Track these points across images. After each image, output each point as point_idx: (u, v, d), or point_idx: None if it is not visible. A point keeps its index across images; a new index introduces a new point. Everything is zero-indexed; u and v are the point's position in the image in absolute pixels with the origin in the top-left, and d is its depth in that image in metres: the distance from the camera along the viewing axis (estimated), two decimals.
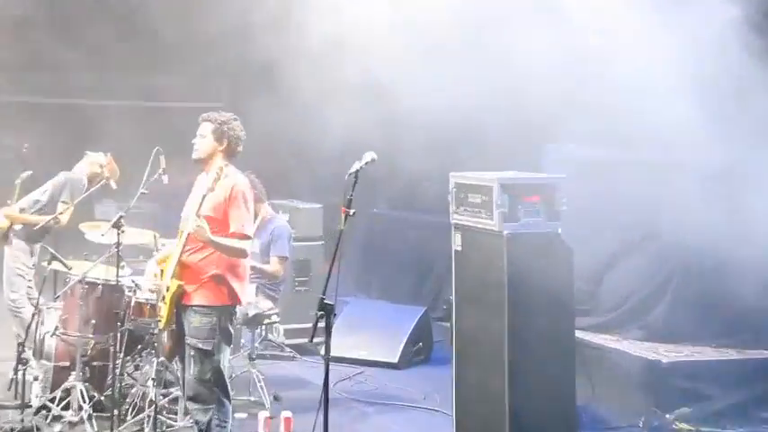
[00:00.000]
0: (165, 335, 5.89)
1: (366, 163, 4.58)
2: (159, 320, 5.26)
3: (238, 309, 5.38)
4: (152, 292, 5.79)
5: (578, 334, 6.46)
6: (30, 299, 7.20)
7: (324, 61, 8.33)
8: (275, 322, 7.43)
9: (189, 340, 5.11)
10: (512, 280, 5.48)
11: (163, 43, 10.78)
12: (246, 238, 5.17)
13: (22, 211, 7.20)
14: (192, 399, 5.16)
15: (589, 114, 6.47)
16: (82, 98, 12.92)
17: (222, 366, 5.15)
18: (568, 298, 5.64)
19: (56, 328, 6.24)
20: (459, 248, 5.99)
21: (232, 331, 5.24)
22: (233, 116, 5.43)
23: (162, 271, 5.31)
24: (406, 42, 7.23)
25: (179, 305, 5.14)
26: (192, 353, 5.11)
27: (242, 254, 5.18)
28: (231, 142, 5.33)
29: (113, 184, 7.15)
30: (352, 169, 4.56)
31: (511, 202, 5.57)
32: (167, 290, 5.12)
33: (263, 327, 7.76)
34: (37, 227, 6.99)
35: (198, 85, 12.80)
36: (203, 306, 5.11)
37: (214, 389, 5.12)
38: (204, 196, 5.02)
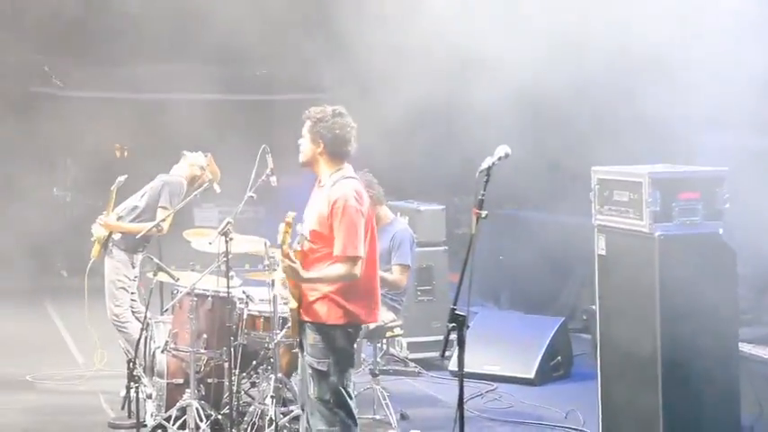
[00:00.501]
0: (281, 350, 6.14)
1: (499, 158, 4.52)
2: (288, 327, 5.41)
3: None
4: (284, 300, 5.96)
5: (742, 347, 6.36)
6: (134, 312, 7.54)
7: (447, 53, 8.50)
8: (398, 335, 7.56)
9: (306, 357, 5.17)
10: (665, 287, 5.44)
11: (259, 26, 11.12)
12: (352, 260, 5.03)
13: (119, 219, 7.48)
14: (313, 417, 5.26)
15: (755, 97, 6.34)
16: (173, 92, 13.45)
17: (342, 388, 5.13)
18: (731, 307, 5.56)
19: (166, 344, 6.53)
20: (603, 253, 5.97)
21: (352, 351, 5.20)
22: (334, 111, 5.18)
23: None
24: (535, 42, 7.30)
25: (299, 323, 5.19)
26: (309, 371, 5.15)
27: (351, 278, 5.05)
28: (328, 144, 5.13)
29: (217, 188, 7.35)
30: (484, 166, 4.49)
31: (663, 200, 5.51)
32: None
33: (385, 340, 7.91)
34: (138, 236, 7.31)
35: (302, 74, 13.11)
36: (319, 323, 5.13)
37: (335, 410, 5.15)
38: (282, 244, 4.89)
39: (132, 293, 7.56)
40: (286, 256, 4.94)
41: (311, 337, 5.14)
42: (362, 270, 5.08)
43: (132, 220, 7.45)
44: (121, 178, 7.42)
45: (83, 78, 13.62)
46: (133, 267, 7.52)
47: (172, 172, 7.62)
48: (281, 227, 4.99)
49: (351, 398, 5.19)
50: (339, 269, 5.03)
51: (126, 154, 14.37)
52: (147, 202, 7.47)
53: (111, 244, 7.47)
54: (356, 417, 5.24)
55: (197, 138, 7.74)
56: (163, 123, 12.18)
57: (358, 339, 5.39)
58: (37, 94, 13.63)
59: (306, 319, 5.15)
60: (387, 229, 7.31)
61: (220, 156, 7.82)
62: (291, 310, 5.17)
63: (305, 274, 5.01)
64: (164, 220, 7.19)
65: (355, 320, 5.17)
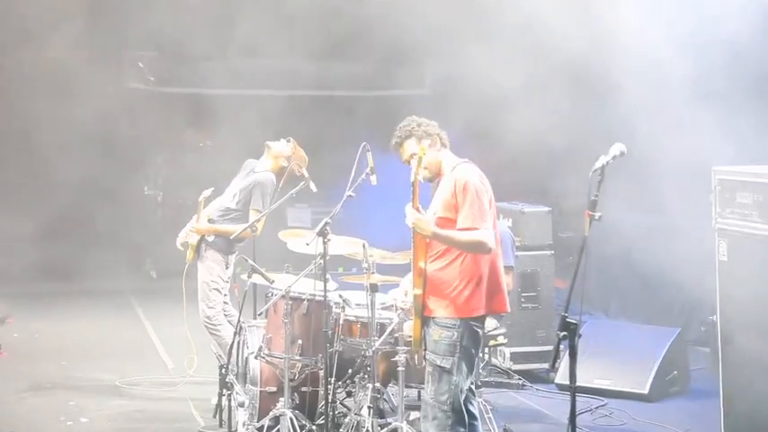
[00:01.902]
0: (378, 358, 6.18)
1: (614, 157, 4.51)
2: (409, 339, 5.55)
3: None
4: (402, 310, 6.05)
5: None
6: (226, 316, 7.68)
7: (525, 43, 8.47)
8: (501, 344, 7.54)
9: (428, 355, 5.39)
10: None
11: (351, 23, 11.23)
12: (483, 231, 5.26)
13: (210, 221, 7.66)
14: (425, 421, 5.37)
15: None
16: (269, 88, 13.66)
17: (461, 391, 5.34)
18: None
19: (260, 349, 6.62)
20: (725, 258, 5.88)
21: (474, 352, 5.41)
22: (410, 118, 5.65)
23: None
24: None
25: (423, 318, 5.39)
26: (430, 369, 5.36)
27: (481, 247, 5.28)
28: (437, 137, 5.57)
29: (313, 186, 7.42)
30: (597, 165, 4.49)
31: None
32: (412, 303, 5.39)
33: (488, 349, 7.89)
34: (231, 237, 7.44)
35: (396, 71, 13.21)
36: (444, 318, 5.33)
37: (450, 414, 5.31)
38: (414, 185, 5.21)
39: (225, 296, 7.72)
40: (416, 208, 5.21)
41: (437, 332, 5.34)
42: (490, 258, 5.33)
43: (226, 222, 7.58)
44: (207, 192, 7.58)
45: (175, 74, 13.94)
46: (227, 268, 7.67)
47: (258, 167, 7.73)
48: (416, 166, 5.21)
49: (466, 406, 5.38)
50: (471, 234, 5.26)
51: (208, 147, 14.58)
52: (239, 204, 7.60)
53: (204, 246, 7.64)
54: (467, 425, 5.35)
55: (286, 134, 7.79)
56: (250, 119, 12.35)
57: None
58: (131, 90, 13.99)
59: (433, 315, 5.35)
60: None
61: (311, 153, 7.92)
62: (416, 297, 5.33)
63: (435, 228, 5.25)
64: (257, 221, 7.31)
65: (492, 311, 5.43)
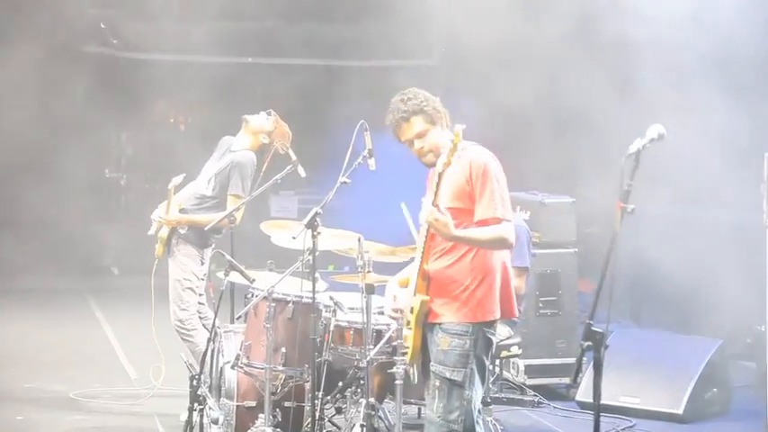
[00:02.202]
0: (371, 370, 6.18)
1: (651, 140, 4.47)
2: (405, 352, 5.47)
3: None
4: (393, 319, 6.04)
5: None
6: (201, 318, 7.69)
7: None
8: (514, 356, 7.55)
9: (434, 367, 5.33)
10: None
11: None
12: (505, 223, 5.25)
13: (183, 211, 7.65)
14: None
15: None
16: (252, 55, 13.67)
17: (473, 407, 5.33)
18: None
19: (237, 358, 6.62)
20: None
21: (487, 362, 5.40)
22: (410, 91, 5.52)
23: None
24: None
25: (425, 325, 5.35)
26: (436, 383, 5.31)
27: (503, 243, 5.28)
28: (444, 114, 5.50)
29: (302, 171, 7.40)
30: (632, 149, 4.47)
31: None
32: (411, 311, 5.33)
33: (499, 361, 7.89)
34: (207, 227, 7.44)
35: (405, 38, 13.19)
36: (455, 323, 5.30)
37: None
38: (440, 177, 5.11)
39: (200, 295, 7.73)
40: (436, 206, 5.11)
41: (445, 341, 5.31)
42: (501, 253, 5.34)
43: (199, 212, 7.57)
44: (177, 179, 7.58)
45: (143, 38, 13.91)
46: (202, 264, 7.68)
47: (235, 145, 7.72)
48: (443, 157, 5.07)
49: (480, 425, 5.37)
50: (494, 231, 5.24)
51: (183, 128, 14.61)
52: (215, 190, 7.60)
53: (176, 239, 7.65)
54: None
55: (272, 107, 7.78)
56: (230, 90, 12.36)
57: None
58: (90, 54, 13.95)
59: (440, 321, 5.32)
60: None
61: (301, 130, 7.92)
62: (423, 303, 5.29)
63: (456, 231, 5.16)
64: (236, 209, 7.31)
65: (504, 316, 5.39)
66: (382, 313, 6.57)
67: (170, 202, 7.62)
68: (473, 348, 5.30)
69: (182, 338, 7.63)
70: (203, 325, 7.66)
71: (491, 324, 5.37)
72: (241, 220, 7.48)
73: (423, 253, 5.32)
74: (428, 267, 5.33)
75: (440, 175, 5.10)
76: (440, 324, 5.33)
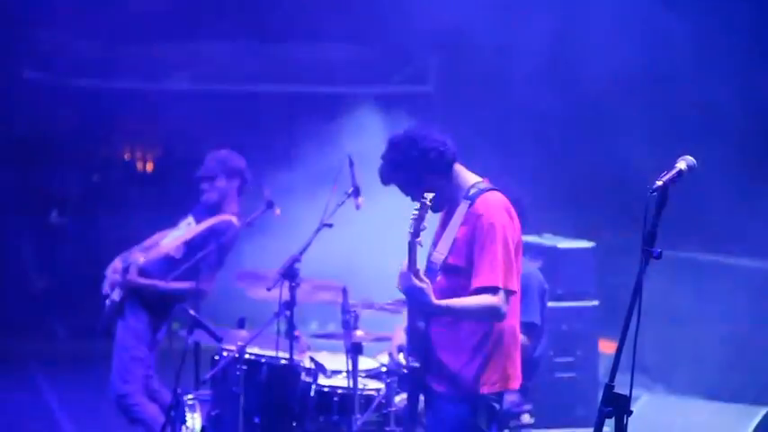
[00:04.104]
0: None
1: (679, 173, 4.53)
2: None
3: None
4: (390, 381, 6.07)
5: None
6: (150, 391, 7.69)
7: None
8: (526, 425, 7.55)
9: None
10: None
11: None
12: (503, 293, 5.20)
13: (142, 274, 7.62)
14: None
15: None
16: (220, 82, 13.78)
17: None
18: None
19: (203, 430, 6.63)
20: None
21: None
22: (407, 132, 5.49)
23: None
24: None
25: (424, 389, 5.37)
26: None
27: (495, 315, 5.23)
28: (423, 160, 5.40)
29: (277, 210, 7.46)
30: (657, 184, 4.51)
31: None
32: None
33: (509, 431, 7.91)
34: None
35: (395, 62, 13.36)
36: (452, 391, 5.31)
37: None
38: (415, 235, 5.02)
39: (148, 367, 7.74)
40: (416, 274, 5.04)
41: (442, 411, 5.30)
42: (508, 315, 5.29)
43: (164, 276, 7.58)
44: (136, 260, 7.59)
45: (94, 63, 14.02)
46: (155, 334, 7.69)
47: (206, 195, 7.74)
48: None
49: None
50: (485, 300, 5.18)
51: (151, 166, 14.67)
52: (187, 256, 7.57)
53: (127, 302, 7.67)
54: None
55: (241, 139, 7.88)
56: (197, 122, 12.42)
57: None
58: (29, 80, 14.03)
59: (437, 388, 5.31)
60: None
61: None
62: (413, 370, 5.28)
63: (437, 302, 5.09)
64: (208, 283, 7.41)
65: (503, 387, 5.36)
66: (371, 376, 6.62)
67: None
68: (472, 418, 5.28)
69: (126, 415, 7.62)
70: (153, 399, 7.65)
71: (499, 393, 5.37)
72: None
73: (417, 312, 5.30)
74: (425, 327, 5.29)
75: (412, 246, 5.03)
76: (437, 390, 5.32)
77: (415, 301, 5.14)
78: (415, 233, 5.00)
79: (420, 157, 5.37)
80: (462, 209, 5.30)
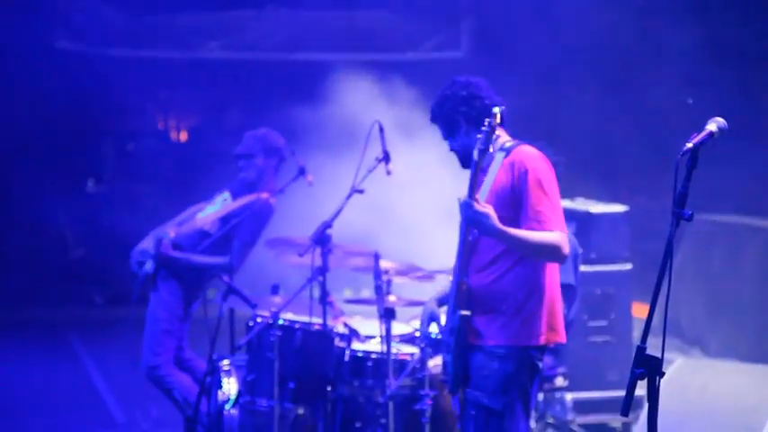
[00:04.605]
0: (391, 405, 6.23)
1: (709, 135, 4.51)
2: (444, 380, 5.52)
3: None
4: (424, 346, 6.06)
5: None
6: (183, 361, 7.74)
7: None
8: (560, 388, 7.56)
9: (470, 393, 5.34)
10: None
11: None
12: (559, 233, 5.25)
13: (176, 248, 7.59)
14: None
15: None
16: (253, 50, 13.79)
17: None
18: None
19: (239, 395, 6.67)
20: None
21: (531, 392, 5.39)
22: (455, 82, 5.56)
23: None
24: None
25: (467, 347, 5.37)
26: (472, 412, 5.32)
27: (556, 253, 5.27)
28: (467, 104, 5.48)
29: (310, 178, 7.46)
30: (687, 146, 4.49)
31: None
32: (451, 332, 5.33)
33: (542, 395, 7.91)
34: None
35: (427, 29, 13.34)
36: (497, 345, 5.32)
37: None
38: (476, 167, 5.10)
39: (180, 338, 7.77)
40: (476, 200, 5.10)
41: (485, 363, 5.32)
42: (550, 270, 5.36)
43: (199, 251, 7.59)
44: (170, 233, 7.60)
45: (126, 32, 14.05)
46: (187, 307, 7.73)
47: (244, 173, 7.74)
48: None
49: None
50: (549, 236, 5.22)
51: (185, 135, 14.73)
52: (221, 232, 7.56)
53: (159, 275, 7.68)
54: None
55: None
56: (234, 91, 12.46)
57: None
58: (63, 50, 14.09)
59: (481, 342, 5.32)
60: None
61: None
62: (463, 319, 5.28)
63: (502, 227, 5.12)
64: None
65: (553, 339, 5.39)
66: (405, 341, 6.64)
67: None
68: (516, 374, 5.31)
69: (158, 386, 7.65)
70: (184, 368, 7.69)
71: (539, 349, 5.38)
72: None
73: (462, 266, 5.32)
74: (469, 282, 5.32)
75: (476, 165, 5.10)
76: (480, 346, 5.34)
77: (480, 226, 5.17)
78: (478, 160, 5.07)
79: (465, 100, 5.45)
80: (498, 159, 5.32)
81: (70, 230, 14.04)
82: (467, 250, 5.30)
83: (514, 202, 5.28)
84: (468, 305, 5.28)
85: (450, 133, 5.51)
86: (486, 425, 5.29)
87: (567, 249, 5.28)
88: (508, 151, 5.35)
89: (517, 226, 5.23)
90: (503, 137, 5.44)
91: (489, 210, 5.11)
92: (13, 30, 12.69)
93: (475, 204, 5.10)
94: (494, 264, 5.34)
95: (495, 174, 5.32)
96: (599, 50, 11.66)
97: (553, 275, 5.42)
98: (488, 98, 5.47)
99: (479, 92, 5.48)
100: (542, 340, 5.35)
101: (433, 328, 5.79)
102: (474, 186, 5.12)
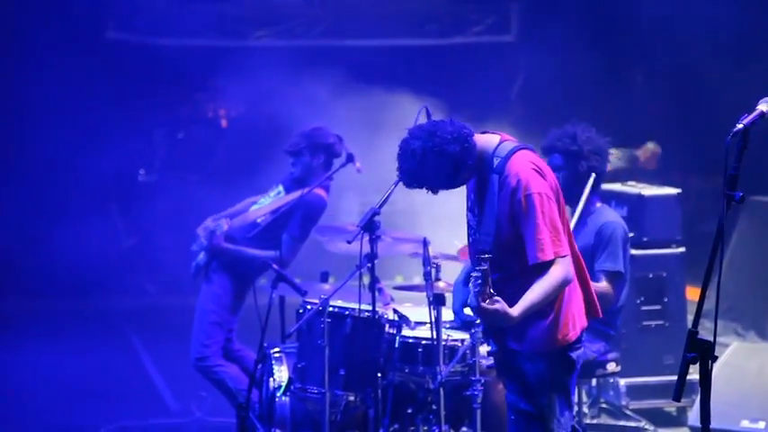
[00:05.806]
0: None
1: (760, 115, 4.46)
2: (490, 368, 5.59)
3: None
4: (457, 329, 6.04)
5: None
6: (231, 352, 7.79)
7: None
8: (613, 374, 7.52)
9: (508, 397, 5.35)
10: None
11: None
12: (562, 260, 5.17)
13: (228, 240, 7.64)
14: None
15: None
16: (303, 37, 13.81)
17: None
18: None
19: (290, 382, 6.70)
20: None
21: (569, 384, 5.35)
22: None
23: None
24: None
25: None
26: (512, 417, 5.30)
27: (565, 285, 5.21)
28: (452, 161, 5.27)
29: (358, 165, 7.46)
30: (739, 126, 4.44)
31: None
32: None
33: (595, 381, 7.88)
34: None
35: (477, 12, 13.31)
36: (528, 352, 5.30)
37: None
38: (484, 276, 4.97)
39: (230, 330, 7.82)
40: (485, 299, 4.98)
41: (521, 368, 5.30)
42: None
43: (248, 241, 7.63)
44: (223, 225, 7.62)
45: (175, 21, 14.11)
46: (237, 299, 7.76)
47: (292, 169, 7.72)
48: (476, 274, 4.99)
49: None
50: (551, 278, 5.13)
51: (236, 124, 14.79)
52: (271, 223, 7.61)
53: (211, 266, 7.73)
54: None
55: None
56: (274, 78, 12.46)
57: None
58: (112, 40, 14.18)
59: (515, 345, 5.30)
60: (586, 222, 7.18)
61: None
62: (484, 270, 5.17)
63: (517, 311, 5.04)
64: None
65: (579, 331, 5.33)
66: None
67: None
68: (549, 372, 5.27)
69: (207, 378, 7.71)
70: (233, 358, 7.72)
71: (568, 345, 5.31)
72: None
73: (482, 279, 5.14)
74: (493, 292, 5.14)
75: (484, 273, 4.96)
76: (512, 349, 5.31)
77: (495, 323, 5.14)
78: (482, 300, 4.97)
79: (455, 155, 5.22)
80: (494, 184, 5.21)
81: (122, 220, 14.13)
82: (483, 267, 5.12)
83: (514, 223, 5.18)
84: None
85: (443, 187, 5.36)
86: (527, 428, 5.27)
87: (570, 275, 5.20)
88: (501, 172, 5.20)
89: (522, 242, 5.15)
90: (488, 144, 5.29)
91: (499, 306, 4.98)
92: (63, 20, 12.80)
93: (485, 309, 4.96)
94: (513, 278, 5.26)
95: (495, 202, 5.22)
96: (648, 35, 11.59)
97: (578, 267, 5.38)
98: (461, 137, 5.25)
99: (452, 143, 5.23)
100: (571, 338, 5.28)
101: (467, 311, 5.73)
102: (485, 284, 4.97)
